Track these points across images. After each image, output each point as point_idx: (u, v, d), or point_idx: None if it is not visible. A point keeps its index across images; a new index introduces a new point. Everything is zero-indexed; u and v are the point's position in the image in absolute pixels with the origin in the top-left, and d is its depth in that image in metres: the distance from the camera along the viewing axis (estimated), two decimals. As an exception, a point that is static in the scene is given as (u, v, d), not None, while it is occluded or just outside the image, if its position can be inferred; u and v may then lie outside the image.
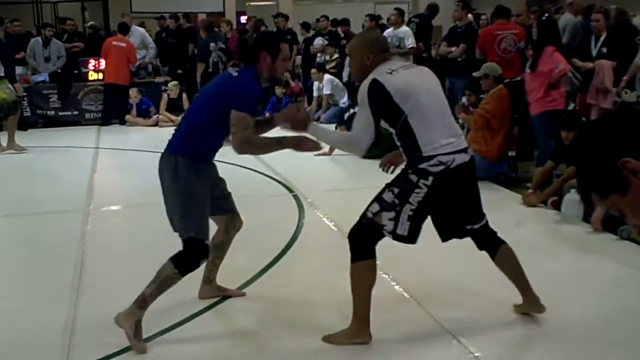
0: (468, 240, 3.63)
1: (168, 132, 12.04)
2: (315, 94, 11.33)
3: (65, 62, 12.16)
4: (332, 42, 12.25)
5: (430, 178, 3.32)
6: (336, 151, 8.11)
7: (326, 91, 11.01)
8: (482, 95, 7.45)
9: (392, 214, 3.36)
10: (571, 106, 7.45)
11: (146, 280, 4.54)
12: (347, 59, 11.64)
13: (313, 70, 11.32)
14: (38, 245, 5.44)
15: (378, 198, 3.43)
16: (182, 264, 3.51)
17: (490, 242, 3.65)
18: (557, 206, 5.73)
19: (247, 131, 3.44)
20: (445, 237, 3.64)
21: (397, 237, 3.40)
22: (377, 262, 3.44)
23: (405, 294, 4.10)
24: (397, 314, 3.87)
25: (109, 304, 4.09)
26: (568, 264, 4.68)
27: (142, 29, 12.85)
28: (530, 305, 3.72)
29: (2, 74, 9.23)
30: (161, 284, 3.53)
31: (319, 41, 12.37)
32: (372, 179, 7.25)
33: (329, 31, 12.86)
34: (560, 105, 6.58)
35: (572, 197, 5.46)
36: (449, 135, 3.37)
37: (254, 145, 3.56)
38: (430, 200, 3.36)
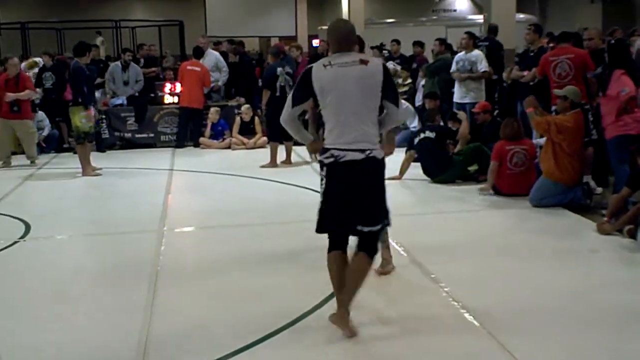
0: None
1: (240, 154, 12.05)
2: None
3: (143, 85, 12.56)
4: (406, 66, 12.26)
5: (325, 169, 3.80)
6: (405, 175, 8.11)
7: (396, 115, 11.02)
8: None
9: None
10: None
11: (217, 299, 4.63)
12: (420, 82, 11.68)
13: None
14: (114, 264, 5.59)
15: None
16: None
17: (362, 248, 3.85)
18: (633, 235, 5.57)
19: None
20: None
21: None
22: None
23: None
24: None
25: (181, 322, 4.21)
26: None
27: (216, 52, 13.09)
28: (338, 319, 3.88)
29: (80, 101, 9.20)
30: None
31: (389, 65, 12.40)
32: (440, 204, 7.29)
33: (400, 55, 12.88)
34: (634, 130, 6.38)
35: (649, 226, 5.31)
36: (349, 135, 3.71)
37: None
38: (329, 190, 3.79)
